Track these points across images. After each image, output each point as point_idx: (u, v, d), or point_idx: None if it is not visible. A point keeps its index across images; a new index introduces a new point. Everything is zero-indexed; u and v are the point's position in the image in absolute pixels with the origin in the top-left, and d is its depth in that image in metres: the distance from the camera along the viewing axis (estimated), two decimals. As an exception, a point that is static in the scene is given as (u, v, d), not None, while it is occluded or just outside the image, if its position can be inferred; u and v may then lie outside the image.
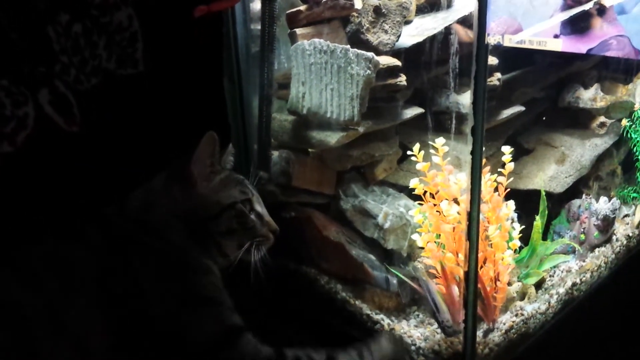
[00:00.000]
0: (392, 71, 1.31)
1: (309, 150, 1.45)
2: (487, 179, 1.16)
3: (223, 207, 1.01)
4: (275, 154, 1.47)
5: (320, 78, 1.30)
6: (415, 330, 1.25)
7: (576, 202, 1.53)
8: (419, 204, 1.21)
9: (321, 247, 1.38)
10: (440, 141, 1.17)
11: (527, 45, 1.28)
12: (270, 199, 1.45)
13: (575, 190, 1.59)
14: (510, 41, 1.23)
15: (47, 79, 1.19)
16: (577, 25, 1.29)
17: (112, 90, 1.26)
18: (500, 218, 1.18)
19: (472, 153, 1.00)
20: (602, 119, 1.70)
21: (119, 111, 1.27)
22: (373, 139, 1.40)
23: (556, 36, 1.28)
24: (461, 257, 1.16)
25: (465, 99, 1.42)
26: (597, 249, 1.51)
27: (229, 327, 0.97)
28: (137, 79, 1.30)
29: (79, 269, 0.93)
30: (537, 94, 1.60)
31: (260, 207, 1.07)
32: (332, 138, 1.31)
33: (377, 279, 1.33)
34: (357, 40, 1.30)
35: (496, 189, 1.20)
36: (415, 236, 1.23)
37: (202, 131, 1.38)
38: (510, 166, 1.19)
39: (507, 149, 1.20)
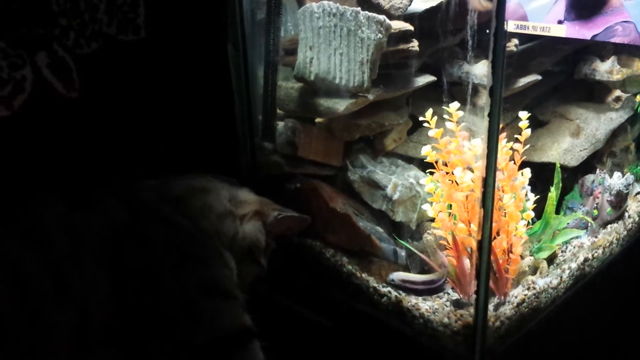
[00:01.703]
0: (404, 36, 1.26)
1: (316, 120, 1.41)
2: (503, 146, 1.12)
3: (256, 259, 1.09)
4: (280, 123, 1.43)
5: (329, 42, 1.25)
6: (424, 303, 1.22)
7: (590, 177, 1.50)
8: (430, 172, 1.17)
9: (327, 219, 1.35)
10: (454, 105, 1.12)
11: (530, 31, 1.25)
12: (275, 170, 1.41)
13: (589, 166, 1.55)
14: (515, 27, 1.21)
15: (46, 42, 1.16)
16: (582, 11, 1.25)
17: (112, 57, 1.23)
18: (515, 187, 1.14)
19: (489, 115, 0.95)
20: (617, 92, 1.66)
21: (120, 78, 1.24)
22: (383, 108, 1.35)
23: (560, 22, 1.25)
24: (473, 227, 1.12)
25: (478, 70, 1.38)
26: (609, 225, 1.47)
27: (243, 326, 0.95)
28: (139, 46, 1.27)
29: (92, 235, 0.90)
30: (553, 67, 1.55)
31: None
32: (341, 105, 1.26)
33: (384, 251, 1.30)
34: (367, 3, 1.25)
35: (511, 158, 1.16)
36: (426, 206, 1.20)
37: (204, 100, 1.36)
38: (527, 132, 1.15)
39: (524, 114, 1.15)
